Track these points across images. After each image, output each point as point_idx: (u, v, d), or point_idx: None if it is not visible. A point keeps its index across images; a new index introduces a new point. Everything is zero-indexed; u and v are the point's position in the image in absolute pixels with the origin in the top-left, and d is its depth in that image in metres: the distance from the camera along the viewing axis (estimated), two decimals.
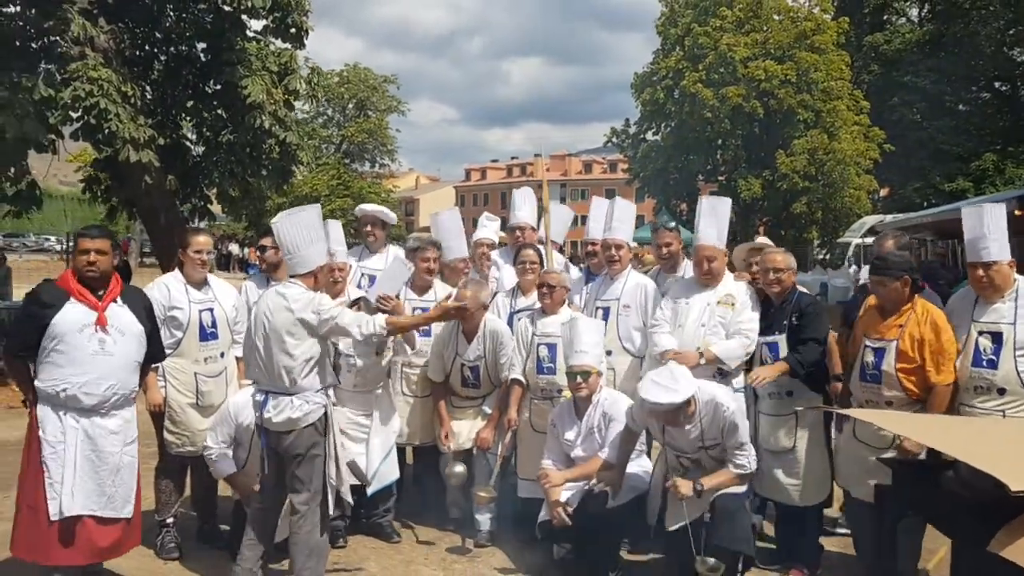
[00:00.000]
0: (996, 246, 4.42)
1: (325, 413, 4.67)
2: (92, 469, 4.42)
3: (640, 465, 5.18)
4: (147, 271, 23.34)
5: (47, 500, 4.31)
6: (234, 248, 41.00)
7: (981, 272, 4.44)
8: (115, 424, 4.51)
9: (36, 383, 4.44)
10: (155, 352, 4.82)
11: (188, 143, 13.77)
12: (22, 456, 4.53)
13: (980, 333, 4.44)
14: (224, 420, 5.24)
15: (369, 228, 6.59)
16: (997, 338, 4.38)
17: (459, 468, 5.72)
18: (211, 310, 5.43)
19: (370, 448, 5.62)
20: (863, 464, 4.62)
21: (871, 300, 4.79)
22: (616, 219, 5.91)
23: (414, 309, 6.07)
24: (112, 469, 4.48)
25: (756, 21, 33.33)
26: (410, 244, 6.50)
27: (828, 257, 29.91)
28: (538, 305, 5.80)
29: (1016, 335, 4.33)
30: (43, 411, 4.41)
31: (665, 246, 6.00)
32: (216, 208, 15.42)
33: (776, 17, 33.91)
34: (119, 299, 4.59)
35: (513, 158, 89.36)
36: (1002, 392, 4.35)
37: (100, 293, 4.53)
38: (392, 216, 6.86)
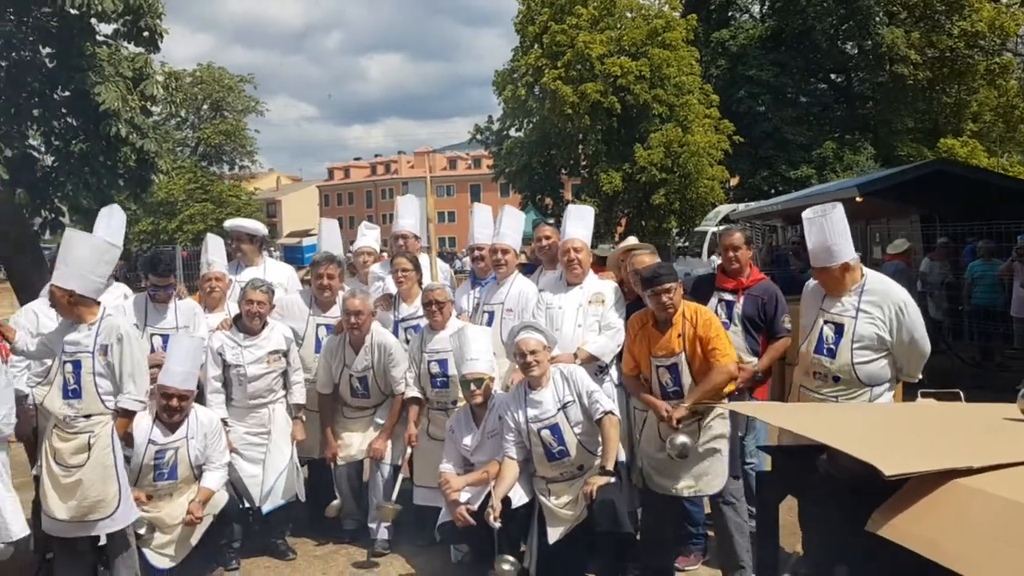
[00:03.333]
0: (841, 248, 4.63)
1: None
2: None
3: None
4: None
5: None
6: None
7: (838, 274, 4.66)
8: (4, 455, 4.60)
9: None
10: None
11: (36, 153, 13.07)
12: None
13: (826, 323, 4.71)
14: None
15: (235, 244, 6.51)
16: (839, 329, 4.65)
17: (335, 502, 5.78)
18: None
19: (266, 467, 5.57)
20: (674, 464, 4.77)
21: (639, 318, 4.93)
22: (505, 225, 6.07)
23: (318, 326, 6.07)
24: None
25: (610, 19, 34.17)
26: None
27: (687, 245, 31.12)
28: (425, 321, 5.84)
29: (856, 328, 4.61)
30: None
31: (545, 238, 6.17)
32: (67, 219, 14.68)
33: (629, 15, 34.87)
34: None
35: (376, 156, 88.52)
36: (837, 380, 4.66)
37: None
38: (257, 228, 6.77)
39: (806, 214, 4.80)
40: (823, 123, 35.85)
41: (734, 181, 36.52)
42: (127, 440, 4.82)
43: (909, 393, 5.11)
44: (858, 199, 13.16)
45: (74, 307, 4.71)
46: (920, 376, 4.79)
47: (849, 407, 4.47)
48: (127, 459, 4.84)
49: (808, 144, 33.88)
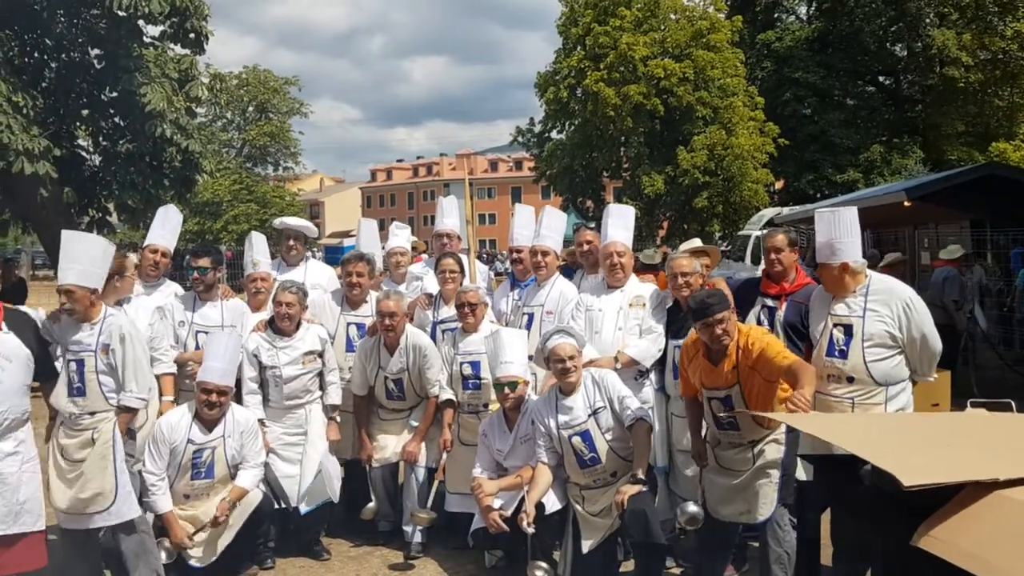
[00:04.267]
0: (845, 247, 4.58)
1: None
2: None
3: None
4: (41, 284, 22.34)
5: None
6: (133, 257, 39.50)
7: (837, 273, 4.60)
8: (10, 446, 4.55)
9: None
10: (47, 371, 4.81)
11: (84, 153, 13.31)
12: None
13: (835, 325, 4.63)
14: (160, 441, 5.11)
15: (292, 242, 6.55)
16: (848, 330, 4.57)
17: (370, 505, 5.77)
18: None
19: (303, 467, 5.58)
20: (727, 489, 4.60)
21: (694, 344, 4.65)
22: (545, 227, 6.01)
23: (349, 324, 6.07)
24: (13, 488, 4.51)
25: (654, 20, 33.99)
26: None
27: (730, 249, 30.75)
28: (459, 325, 5.79)
29: (864, 327, 4.54)
30: None
31: (586, 243, 6.09)
32: (114, 218, 14.92)
33: (673, 16, 34.65)
34: (3, 325, 4.61)
35: (419, 158, 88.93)
36: (851, 380, 4.54)
37: None
38: (314, 230, 6.85)
39: (820, 210, 4.80)
40: (870, 126, 35.20)
41: (779, 184, 36.08)
42: (129, 435, 4.91)
43: (958, 403, 4.98)
44: (906, 203, 12.87)
45: (92, 306, 4.79)
46: (934, 376, 4.74)
47: (894, 416, 4.34)
48: (129, 455, 4.90)
49: (855, 147, 33.30)
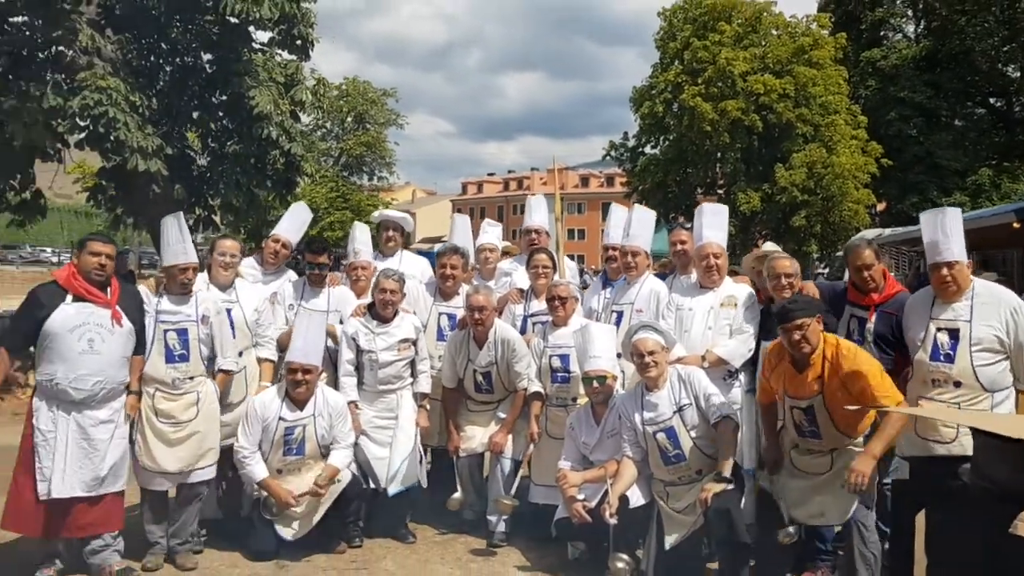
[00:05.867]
0: (957, 247, 4.54)
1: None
2: (84, 456, 4.70)
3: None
4: (145, 283, 23.27)
5: (36, 482, 4.62)
6: None
7: (945, 271, 4.51)
8: (105, 414, 4.80)
9: (36, 376, 4.76)
10: (138, 347, 5.03)
11: (193, 153, 13.85)
12: (21, 440, 4.79)
13: (938, 330, 4.53)
14: (252, 418, 5.33)
15: (391, 233, 6.75)
16: (954, 334, 4.49)
17: (456, 495, 5.82)
18: (229, 311, 5.58)
19: (392, 450, 5.69)
20: (801, 491, 4.61)
21: (777, 351, 4.63)
22: (635, 226, 6.00)
23: (440, 314, 6.20)
24: (102, 455, 4.76)
25: (755, 36, 33.45)
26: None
27: (828, 271, 29.93)
28: (549, 318, 5.85)
29: (972, 331, 4.45)
30: (38, 402, 4.71)
31: (680, 243, 6.01)
32: (218, 219, 15.42)
33: (774, 32, 34.04)
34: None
35: (510, 172, 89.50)
36: (958, 385, 4.45)
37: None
38: (410, 222, 7.05)
39: (924, 214, 4.77)
40: (979, 148, 33.87)
41: (881, 206, 34.99)
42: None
43: None
44: (1015, 225, 12.39)
45: None
46: None
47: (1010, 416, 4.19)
48: None
49: (963, 170, 32.05)
